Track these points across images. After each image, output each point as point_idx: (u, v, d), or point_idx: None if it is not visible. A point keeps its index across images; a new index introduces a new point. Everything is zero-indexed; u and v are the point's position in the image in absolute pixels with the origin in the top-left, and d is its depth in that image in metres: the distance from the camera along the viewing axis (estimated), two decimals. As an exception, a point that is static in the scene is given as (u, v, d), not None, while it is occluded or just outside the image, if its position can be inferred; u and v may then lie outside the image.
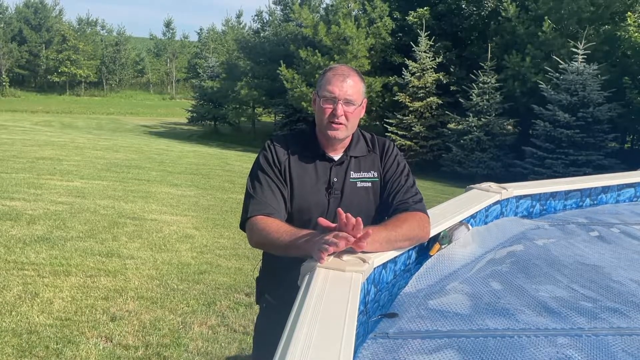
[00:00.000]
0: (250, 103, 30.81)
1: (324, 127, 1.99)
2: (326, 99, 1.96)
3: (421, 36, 22.23)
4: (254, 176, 2.04)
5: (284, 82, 24.41)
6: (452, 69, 22.86)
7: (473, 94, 20.42)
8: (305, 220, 1.99)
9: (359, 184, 2.04)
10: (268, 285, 2.19)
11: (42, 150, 14.28)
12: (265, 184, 1.99)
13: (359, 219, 1.65)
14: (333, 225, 1.72)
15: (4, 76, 50.97)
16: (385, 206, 2.04)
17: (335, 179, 2.02)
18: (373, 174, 2.06)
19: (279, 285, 2.09)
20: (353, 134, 2.07)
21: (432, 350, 1.40)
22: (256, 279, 2.28)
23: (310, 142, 2.07)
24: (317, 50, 23.37)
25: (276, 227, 1.87)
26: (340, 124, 1.97)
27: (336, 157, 2.05)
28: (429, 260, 2.00)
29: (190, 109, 35.49)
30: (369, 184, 2.06)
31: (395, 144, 2.20)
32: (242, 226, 2.02)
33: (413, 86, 22.02)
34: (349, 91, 1.96)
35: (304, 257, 1.73)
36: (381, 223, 1.88)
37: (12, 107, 39.57)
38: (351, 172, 2.04)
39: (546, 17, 19.49)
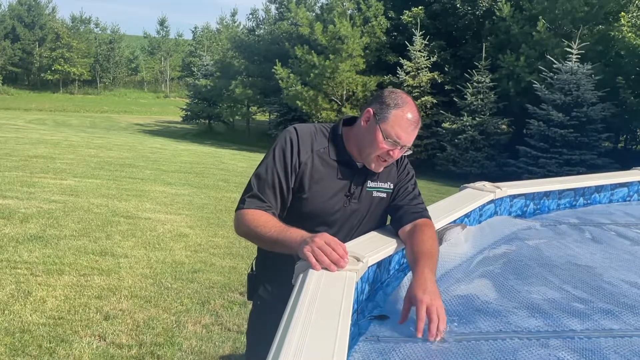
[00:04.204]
0: (244, 102, 30.78)
1: (369, 158, 1.94)
2: (390, 140, 1.89)
3: (416, 35, 22.28)
4: (265, 165, 1.98)
5: (279, 81, 24.39)
6: (446, 69, 22.91)
7: (467, 94, 20.47)
8: (318, 223, 1.97)
9: (375, 194, 2.03)
10: (262, 282, 2.18)
11: (36, 148, 14.22)
12: (270, 179, 1.95)
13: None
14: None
15: (-4, 74, 50.80)
16: (390, 207, 2.04)
17: (355, 187, 2.00)
18: (389, 185, 2.05)
19: (273, 281, 2.10)
20: None
21: (424, 353, 1.40)
22: (248, 275, 2.26)
23: (339, 146, 2.00)
24: (312, 50, 23.37)
25: (264, 220, 1.86)
26: (387, 163, 1.95)
27: (360, 165, 2.01)
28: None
29: (184, 107, 35.42)
30: (384, 195, 2.04)
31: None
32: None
33: (408, 85, 22.05)
34: (411, 139, 1.92)
35: (290, 253, 1.73)
36: (416, 251, 1.79)
37: (5, 105, 39.38)
38: (368, 181, 2.02)
39: (540, 17, 19.56)
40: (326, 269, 1.60)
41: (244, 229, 1.92)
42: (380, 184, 2.04)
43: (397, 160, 2.07)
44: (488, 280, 1.91)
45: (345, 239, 1.75)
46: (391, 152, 1.90)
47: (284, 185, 1.95)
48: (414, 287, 1.59)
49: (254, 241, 1.98)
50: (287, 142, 1.96)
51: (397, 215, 2.00)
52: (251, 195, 1.95)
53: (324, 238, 1.65)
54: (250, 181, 1.99)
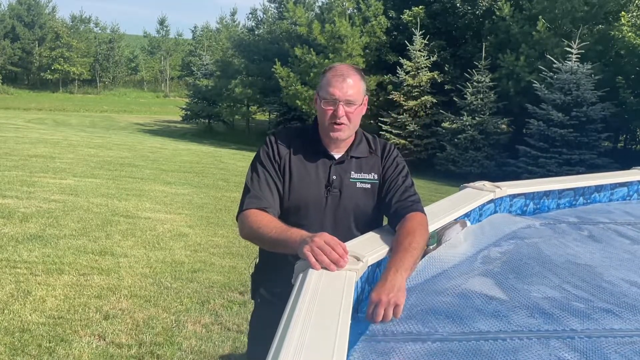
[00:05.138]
0: (244, 101, 30.77)
1: (326, 128, 2.02)
2: (327, 101, 1.98)
3: (416, 35, 22.27)
4: (253, 169, 2.07)
5: (279, 80, 24.38)
6: (446, 68, 22.90)
7: (467, 93, 20.47)
8: (302, 216, 2.02)
9: (359, 185, 2.07)
10: (264, 281, 2.20)
11: (35, 147, 14.21)
12: (263, 178, 2.02)
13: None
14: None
15: (-4, 73, 50.78)
16: (384, 205, 2.06)
17: (335, 177, 2.04)
18: (373, 176, 2.09)
19: (274, 280, 2.11)
20: (356, 134, 2.10)
21: (424, 353, 1.40)
22: (251, 275, 2.31)
23: (312, 139, 2.09)
24: (311, 49, 23.36)
25: (267, 222, 1.90)
26: (342, 124, 1.99)
27: (337, 155, 2.07)
28: (420, 261, 2.00)
29: (184, 107, 35.39)
30: (368, 185, 2.08)
31: (394, 145, 2.21)
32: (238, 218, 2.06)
33: (407, 85, 22.05)
34: (349, 91, 1.97)
35: (291, 253, 1.75)
36: (398, 244, 1.81)
37: (5, 105, 39.36)
38: (352, 172, 2.06)
39: (540, 17, 19.56)
40: (326, 268, 1.60)
41: (247, 231, 1.97)
42: (364, 175, 2.08)
43: (382, 152, 2.12)
44: (488, 280, 1.91)
45: (334, 232, 1.76)
46: (336, 112, 1.97)
47: (276, 180, 2.03)
48: (375, 287, 1.64)
49: (256, 242, 2.02)
50: (267, 144, 2.08)
51: (391, 213, 2.01)
52: (249, 196, 2.01)
53: (323, 238, 1.66)
54: (245, 185, 2.06)
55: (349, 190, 2.05)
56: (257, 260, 2.27)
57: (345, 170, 2.06)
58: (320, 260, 1.61)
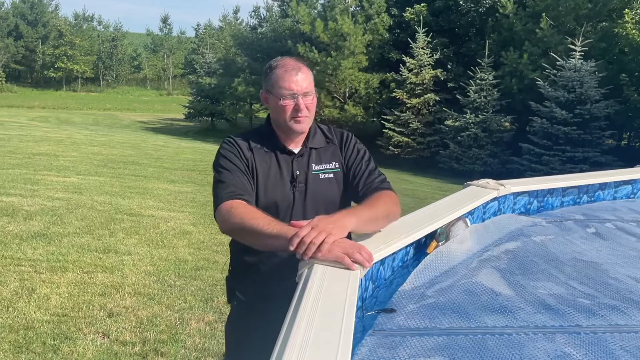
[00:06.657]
0: (247, 99, 30.74)
1: (287, 124, 2.00)
2: (285, 97, 1.96)
3: (419, 33, 22.23)
4: (219, 166, 2.02)
5: (281, 78, 24.34)
6: (449, 66, 22.87)
7: (470, 91, 20.43)
8: (275, 215, 1.94)
9: (322, 176, 2.07)
10: (238, 283, 2.19)
11: (39, 146, 14.24)
12: (235, 172, 1.98)
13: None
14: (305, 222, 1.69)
15: (0, 72, 50.82)
16: (352, 192, 2.07)
17: (298, 172, 2.04)
18: (334, 165, 2.09)
19: (249, 282, 2.11)
20: (310, 127, 2.09)
21: (430, 348, 1.40)
22: (226, 278, 2.28)
23: (269, 137, 2.08)
24: (314, 47, 23.34)
25: (261, 214, 1.82)
26: (305, 116, 1.99)
27: (296, 149, 2.07)
28: (427, 257, 2.00)
29: (187, 105, 35.35)
30: (332, 175, 2.09)
31: (352, 134, 2.21)
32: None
33: (410, 83, 22.02)
34: (305, 84, 1.97)
35: (282, 250, 1.68)
36: (360, 204, 1.91)
37: (9, 103, 39.44)
38: (313, 165, 2.06)
39: (544, 14, 19.51)
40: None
41: (234, 222, 1.82)
42: (325, 166, 2.08)
43: (340, 141, 2.13)
44: (494, 276, 1.91)
45: None
46: (298, 106, 1.96)
47: (246, 173, 1.99)
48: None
49: (245, 235, 1.85)
50: (229, 144, 2.05)
51: (360, 197, 2.03)
52: (228, 188, 1.93)
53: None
54: (216, 181, 2.01)
55: (314, 182, 2.05)
56: (230, 262, 2.23)
57: (306, 163, 2.06)
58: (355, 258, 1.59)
